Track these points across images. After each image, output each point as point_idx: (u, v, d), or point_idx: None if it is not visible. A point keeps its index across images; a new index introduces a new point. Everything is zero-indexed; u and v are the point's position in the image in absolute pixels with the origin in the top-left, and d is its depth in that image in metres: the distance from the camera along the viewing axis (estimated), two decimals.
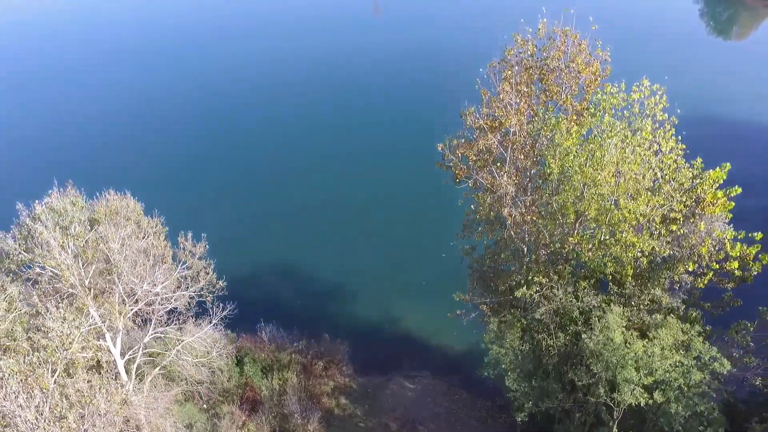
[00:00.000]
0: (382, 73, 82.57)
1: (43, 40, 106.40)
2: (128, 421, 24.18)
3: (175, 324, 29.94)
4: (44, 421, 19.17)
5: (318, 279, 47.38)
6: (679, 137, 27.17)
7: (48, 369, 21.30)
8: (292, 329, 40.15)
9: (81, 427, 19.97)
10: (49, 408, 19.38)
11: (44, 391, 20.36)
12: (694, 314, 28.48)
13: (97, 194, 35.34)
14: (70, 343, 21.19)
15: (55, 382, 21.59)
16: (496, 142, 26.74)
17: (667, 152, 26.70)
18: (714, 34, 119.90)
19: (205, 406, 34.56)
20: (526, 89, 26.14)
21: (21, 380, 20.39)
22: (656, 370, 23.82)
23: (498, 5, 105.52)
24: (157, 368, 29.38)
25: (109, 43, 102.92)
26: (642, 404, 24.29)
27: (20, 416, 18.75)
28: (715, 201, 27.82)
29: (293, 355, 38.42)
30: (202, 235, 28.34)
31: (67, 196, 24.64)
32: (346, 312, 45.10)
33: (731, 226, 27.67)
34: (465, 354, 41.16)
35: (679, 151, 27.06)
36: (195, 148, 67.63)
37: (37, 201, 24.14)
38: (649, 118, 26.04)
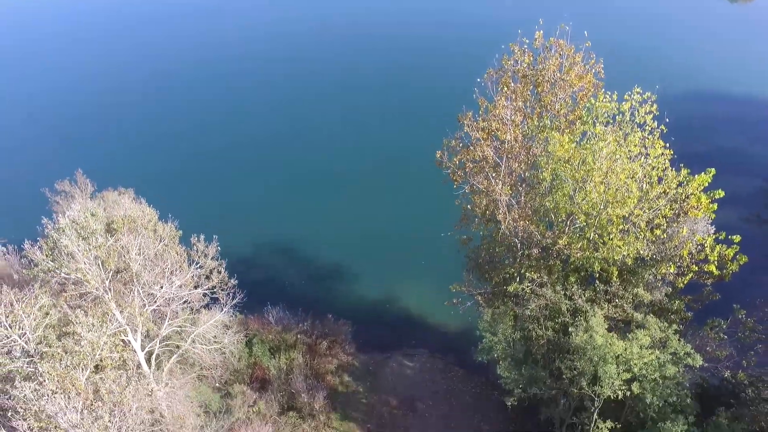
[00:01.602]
0: (387, 61, 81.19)
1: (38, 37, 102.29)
2: (153, 411, 26.54)
3: (189, 313, 32.11)
4: (84, 420, 21.44)
5: (321, 261, 49.36)
6: (667, 144, 28.54)
7: (80, 370, 23.45)
8: (297, 310, 42.29)
9: (114, 424, 22.28)
10: (87, 409, 21.59)
11: (79, 391, 22.54)
12: (677, 303, 30.78)
13: (106, 186, 36.95)
14: (99, 348, 23.26)
15: (87, 380, 23.86)
16: (492, 153, 28.05)
17: (655, 158, 28.14)
18: None
19: (217, 385, 37.15)
20: (521, 103, 27.23)
21: (58, 381, 22.58)
22: (634, 366, 26.04)
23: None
24: (174, 356, 31.64)
25: (119, 37, 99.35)
26: (620, 397, 26.67)
27: (63, 417, 21.00)
28: (699, 204, 29.49)
29: (299, 336, 40.77)
30: (214, 236, 30.02)
31: (87, 209, 26.14)
32: (348, 292, 47.28)
33: (713, 227, 29.38)
34: (461, 332, 43.50)
35: (667, 156, 28.50)
36: (195, 133, 67.94)
37: (60, 215, 25.73)
38: (639, 129, 27.29)
